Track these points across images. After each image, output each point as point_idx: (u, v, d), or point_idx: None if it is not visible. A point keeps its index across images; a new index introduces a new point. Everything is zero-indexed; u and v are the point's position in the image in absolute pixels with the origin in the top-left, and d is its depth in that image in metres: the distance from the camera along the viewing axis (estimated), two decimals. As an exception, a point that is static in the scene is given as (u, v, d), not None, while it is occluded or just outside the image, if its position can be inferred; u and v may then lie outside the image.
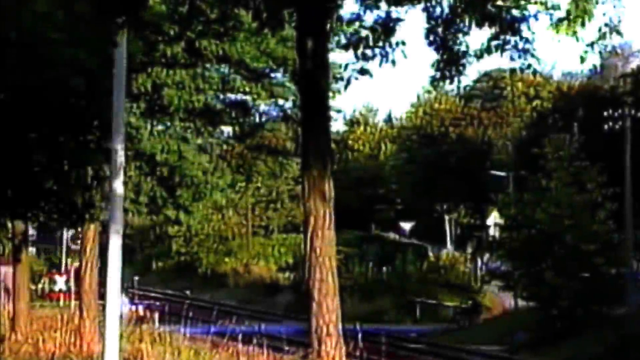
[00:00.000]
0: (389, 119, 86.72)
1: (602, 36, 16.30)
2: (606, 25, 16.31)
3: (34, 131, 15.23)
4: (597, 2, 15.79)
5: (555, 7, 16.26)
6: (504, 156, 65.64)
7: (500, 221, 58.47)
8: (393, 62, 18.41)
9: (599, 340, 42.42)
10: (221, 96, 60.96)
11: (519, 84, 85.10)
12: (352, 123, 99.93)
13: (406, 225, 74.83)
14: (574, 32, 16.06)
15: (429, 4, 17.46)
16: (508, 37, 17.56)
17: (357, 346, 16.88)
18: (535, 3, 16.82)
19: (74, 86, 15.07)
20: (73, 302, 26.35)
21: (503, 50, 17.88)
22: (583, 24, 15.63)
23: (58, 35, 14.63)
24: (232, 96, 61.21)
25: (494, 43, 17.55)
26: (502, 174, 62.67)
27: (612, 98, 67.14)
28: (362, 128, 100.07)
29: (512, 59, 17.72)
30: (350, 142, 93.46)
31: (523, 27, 17.47)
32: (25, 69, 14.63)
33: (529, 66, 18.03)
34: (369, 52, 18.47)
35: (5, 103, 14.89)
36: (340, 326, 16.53)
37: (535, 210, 50.97)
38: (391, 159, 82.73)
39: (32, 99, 14.76)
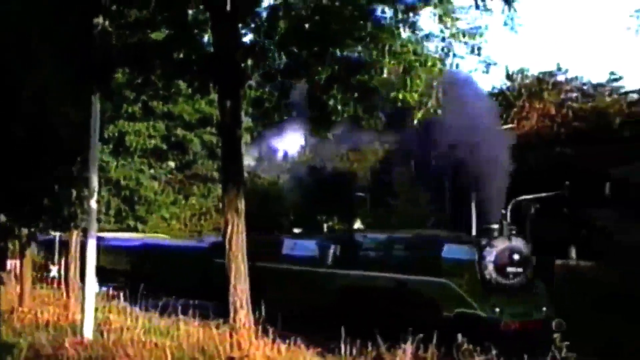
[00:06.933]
0: (285, 156, 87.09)
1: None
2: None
3: (36, 166, 15.36)
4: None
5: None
6: (364, 182, 65.94)
7: (361, 226, 58.78)
8: (284, 117, 18.60)
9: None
10: (166, 140, 61.42)
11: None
12: (259, 159, 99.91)
13: (297, 230, 74.75)
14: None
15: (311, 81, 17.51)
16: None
17: (261, 316, 16.98)
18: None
19: (64, 134, 15.20)
20: (62, 285, 26.17)
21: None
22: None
23: (54, 95, 14.78)
24: (174, 140, 61.61)
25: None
26: (363, 194, 62.94)
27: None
28: (265, 164, 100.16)
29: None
30: (258, 172, 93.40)
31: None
32: (29, 122, 14.74)
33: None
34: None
35: (13, 148, 14.98)
36: (249, 301, 16.61)
37: (385, 219, 51.35)
38: (286, 184, 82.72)
39: (34, 144, 14.87)
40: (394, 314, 23.02)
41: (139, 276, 32.26)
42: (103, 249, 38.95)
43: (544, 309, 23.66)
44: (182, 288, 30.16)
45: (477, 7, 14.32)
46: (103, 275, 31.16)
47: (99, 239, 20.60)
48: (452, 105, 20.64)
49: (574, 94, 57.41)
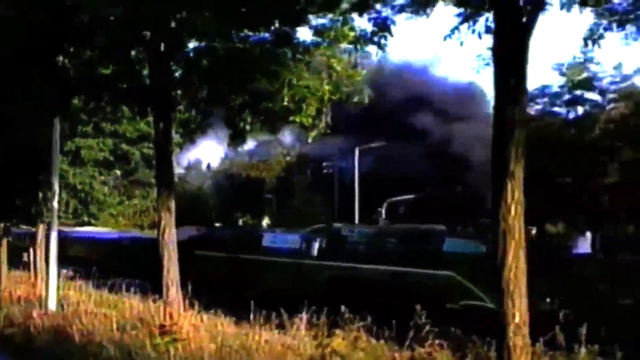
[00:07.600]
0: (208, 166, 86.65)
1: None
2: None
3: (10, 174, 15.49)
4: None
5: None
6: (271, 187, 66.27)
7: (269, 222, 58.98)
8: (206, 131, 18.80)
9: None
10: (113, 153, 61.30)
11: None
12: (188, 168, 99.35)
13: (217, 224, 74.35)
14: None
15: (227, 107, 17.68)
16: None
17: (188, 293, 16.99)
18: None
19: (32, 148, 15.40)
20: (31, 269, 25.94)
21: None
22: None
23: (24, 118, 14.94)
24: (119, 153, 61.59)
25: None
26: (270, 197, 63.23)
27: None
28: (193, 172, 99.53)
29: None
30: (187, 179, 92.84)
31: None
32: (3, 138, 14.87)
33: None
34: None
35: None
36: (179, 281, 16.42)
37: (288, 217, 51.40)
38: (209, 188, 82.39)
39: (8, 155, 15.01)
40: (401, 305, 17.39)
41: (111, 264, 30.43)
42: (76, 240, 37.82)
43: (547, 300, 19.86)
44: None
45: (356, 49, 14.78)
46: (77, 262, 30.38)
47: (62, 232, 20.41)
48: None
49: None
